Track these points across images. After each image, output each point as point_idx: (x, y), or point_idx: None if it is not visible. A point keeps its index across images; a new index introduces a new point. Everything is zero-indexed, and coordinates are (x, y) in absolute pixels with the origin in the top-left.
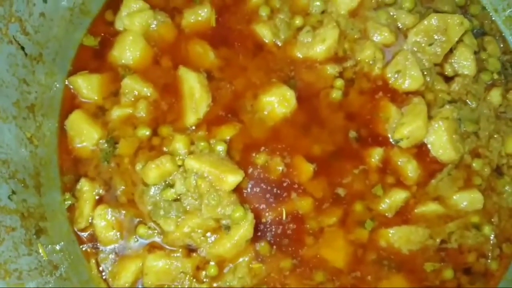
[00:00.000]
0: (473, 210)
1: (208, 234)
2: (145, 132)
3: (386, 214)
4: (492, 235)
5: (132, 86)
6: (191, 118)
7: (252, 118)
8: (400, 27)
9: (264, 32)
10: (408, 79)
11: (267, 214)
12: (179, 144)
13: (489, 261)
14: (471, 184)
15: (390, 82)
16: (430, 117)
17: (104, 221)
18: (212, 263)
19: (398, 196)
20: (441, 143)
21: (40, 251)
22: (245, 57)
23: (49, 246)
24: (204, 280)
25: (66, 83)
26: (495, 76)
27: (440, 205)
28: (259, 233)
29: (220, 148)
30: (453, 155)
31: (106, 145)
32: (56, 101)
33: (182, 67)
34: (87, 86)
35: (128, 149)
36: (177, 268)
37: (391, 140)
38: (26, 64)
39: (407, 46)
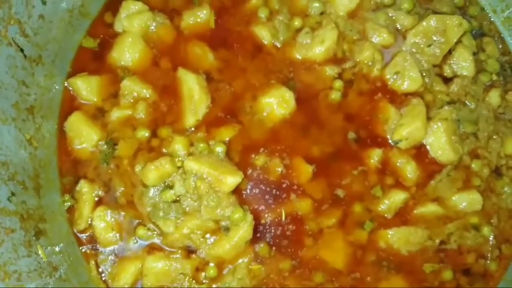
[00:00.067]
0: (472, 211)
1: (208, 235)
2: (144, 133)
3: (385, 215)
4: (491, 236)
5: (131, 87)
6: (190, 119)
7: (251, 119)
8: (399, 28)
9: (263, 34)
10: (407, 80)
11: (266, 215)
12: (178, 146)
13: (488, 262)
14: (470, 185)
15: (389, 83)
16: (429, 118)
17: (103, 222)
18: (211, 264)
19: (397, 197)
20: (440, 144)
21: (40, 252)
22: (244, 59)
23: (49, 247)
24: (204, 281)
25: (66, 84)
26: (494, 77)
27: (439, 206)
28: (258, 234)
29: (219, 149)
30: (452, 156)
31: (105, 146)
32: (56, 102)
33: (181, 69)
34: (87, 87)
35: (128, 151)
36: (177, 269)
37: (390, 141)
38: (26, 66)
39: (406, 47)
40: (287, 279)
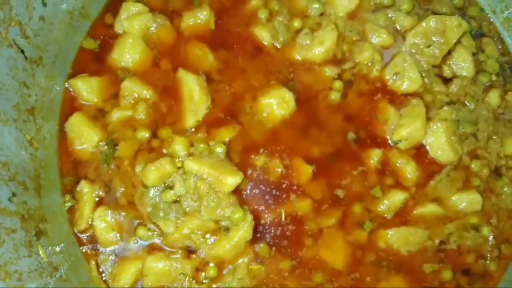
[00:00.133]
0: (471, 211)
1: (208, 235)
2: (144, 134)
3: (385, 215)
4: (491, 236)
5: (132, 88)
6: (190, 120)
7: (251, 120)
8: (399, 29)
9: (263, 35)
10: (406, 81)
11: (266, 215)
12: (179, 146)
13: (488, 262)
14: (470, 185)
15: (389, 83)
16: (428, 119)
17: (104, 222)
18: (211, 264)
19: (397, 197)
20: (440, 144)
21: (40, 252)
22: (244, 60)
23: (49, 247)
24: (204, 281)
25: (66, 85)
26: (494, 78)
27: (439, 206)
28: (258, 235)
29: (219, 150)
30: (452, 157)
31: (106, 147)
32: (56, 103)
33: (181, 70)
34: (87, 88)
35: (128, 151)
36: (177, 270)
37: (389, 141)
38: (26, 67)
39: (406, 48)
40: (287, 279)
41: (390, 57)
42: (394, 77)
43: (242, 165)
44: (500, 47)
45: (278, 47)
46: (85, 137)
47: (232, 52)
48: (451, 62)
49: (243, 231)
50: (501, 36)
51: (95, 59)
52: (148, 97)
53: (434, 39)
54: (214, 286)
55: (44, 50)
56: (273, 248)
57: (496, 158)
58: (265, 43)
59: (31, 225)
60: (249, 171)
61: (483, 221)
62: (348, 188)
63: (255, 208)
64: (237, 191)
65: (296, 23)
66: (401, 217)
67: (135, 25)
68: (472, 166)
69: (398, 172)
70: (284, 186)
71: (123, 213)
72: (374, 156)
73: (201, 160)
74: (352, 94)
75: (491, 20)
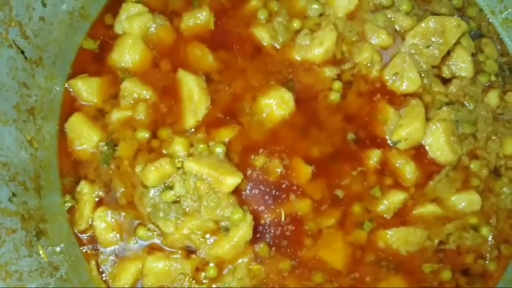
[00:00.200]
0: (471, 212)
1: (207, 235)
2: (144, 134)
3: (385, 216)
4: (490, 236)
5: (132, 89)
6: (190, 120)
7: (250, 120)
8: (398, 29)
9: (263, 35)
10: (405, 81)
11: (266, 215)
12: (178, 147)
13: (487, 262)
14: (469, 186)
15: (388, 84)
16: (427, 119)
17: (104, 223)
18: (211, 264)
19: (396, 198)
20: (439, 144)
21: (41, 252)
22: (244, 60)
23: (50, 247)
24: (204, 281)
25: (66, 86)
26: (493, 78)
27: (438, 206)
28: (258, 235)
29: (219, 150)
30: (451, 157)
31: (105, 147)
32: (56, 104)
33: (181, 70)
34: (87, 89)
35: (128, 152)
36: (177, 270)
37: (389, 142)
38: (26, 67)
39: (405, 49)
40: (287, 279)
41: (390, 58)
42: (394, 78)
43: (241, 166)
44: (499, 47)
45: (278, 47)
46: (85, 138)
47: (232, 53)
48: (450, 63)
49: (243, 231)
50: (500, 36)
51: (95, 60)
52: (148, 97)
53: (433, 39)
54: (214, 286)
55: (44, 51)
56: (273, 248)
57: (495, 158)
58: (265, 44)
59: (31, 225)
60: (249, 172)
61: (483, 221)
62: (347, 188)
63: (255, 208)
64: (236, 191)
65: (296, 24)
66: (401, 217)
67: (135, 26)
68: (471, 166)
69: (398, 172)
70: (283, 186)
71: (123, 213)
72: (374, 157)
73: (201, 161)
74: (351, 95)
75: (490, 20)
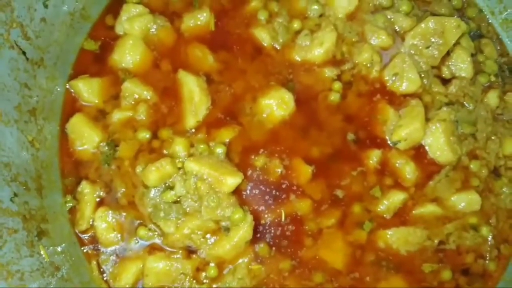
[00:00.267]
0: (471, 211)
1: (208, 235)
2: (145, 135)
3: (384, 216)
4: (490, 236)
5: (132, 89)
6: (190, 121)
7: (251, 120)
8: (398, 30)
9: (263, 36)
10: (405, 82)
11: (266, 215)
12: (179, 147)
13: (487, 262)
14: (469, 186)
15: (388, 84)
16: (427, 119)
17: (105, 223)
18: (212, 264)
19: (396, 198)
20: (439, 145)
21: (42, 252)
22: (244, 61)
23: (51, 247)
24: (204, 281)
25: (67, 87)
26: (492, 78)
27: (438, 206)
28: (258, 235)
29: (220, 150)
30: (451, 157)
31: (106, 148)
32: (57, 104)
33: (182, 71)
34: (88, 89)
35: (129, 152)
36: (177, 269)
37: (389, 142)
38: (28, 68)
39: (405, 49)
40: (287, 279)
41: (389, 58)
42: (393, 78)
43: (242, 166)
44: (499, 48)
45: (278, 48)
46: (86, 138)
47: (232, 53)
48: (450, 63)
49: (243, 231)
50: (500, 37)
51: (96, 60)
52: (149, 98)
53: (433, 40)
54: (214, 286)
55: (45, 52)
56: (273, 248)
57: (495, 158)
58: (265, 44)
59: (32, 225)
60: (249, 172)
61: (482, 221)
62: (347, 189)
63: (255, 208)
64: (237, 192)
65: (296, 24)
66: (401, 217)
67: (135, 27)
68: (471, 166)
69: (398, 173)
70: (284, 186)
71: (124, 214)
72: (374, 157)
73: (201, 161)
74: (351, 95)
75: (490, 21)
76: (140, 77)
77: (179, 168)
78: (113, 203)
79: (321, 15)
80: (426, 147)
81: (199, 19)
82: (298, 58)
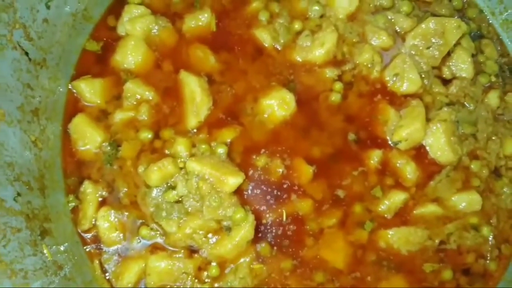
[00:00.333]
0: (471, 211)
1: (210, 235)
2: (147, 135)
3: (385, 215)
4: (491, 236)
5: (134, 90)
6: (192, 121)
7: (252, 121)
8: (398, 30)
9: (264, 37)
10: (406, 82)
11: (267, 215)
12: (181, 147)
13: (488, 262)
14: (470, 186)
15: (389, 85)
16: (428, 120)
17: (107, 222)
18: (213, 263)
19: (397, 198)
20: (439, 145)
21: (45, 251)
22: (245, 61)
23: (54, 247)
24: (206, 280)
25: (70, 87)
26: (493, 79)
27: (439, 206)
28: (259, 234)
29: (221, 150)
30: (451, 157)
31: (109, 148)
32: (60, 105)
33: (183, 71)
34: (90, 90)
35: (131, 152)
36: (179, 269)
37: (389, 142)
38: (30, 69)
39: (405, 50)
40: (288, 279)
41: (390, 59)
42: (394, 78)
43: (243, 166)
44: (499, 48)
45: (279, 48)
46: (89, 138)
47: (233, 54)
48: (450, 64)
49: (245, 230)
50: (500, 37)
51: (98, 61)
52: (151, 98)
53: (433, 40)
54: (216, 285)
55: (48, 52)
56: (275, 248)
57: (495, 158)
58: (266, 45)
59: (35, 224)
60: (251, 172)
61: (483, 221)
62: (348, 189)
63: (257, 208)
64: (238, 191)
65: (297, 25)
66: (401, 217)
67: (137, 27)
68: (472, 166)
69: (398, 173)
70: (285, 186)
71: (126, 213)
72: (374, 157)
73: (203, 161)
74: (352, 95)
75: (490, 21)
76: (142, 78)
77: (181, 168)
78: (115, 202)
79: (322, 16)
80: (427, 147)
81: (201, 20)
82: (299, 59)
